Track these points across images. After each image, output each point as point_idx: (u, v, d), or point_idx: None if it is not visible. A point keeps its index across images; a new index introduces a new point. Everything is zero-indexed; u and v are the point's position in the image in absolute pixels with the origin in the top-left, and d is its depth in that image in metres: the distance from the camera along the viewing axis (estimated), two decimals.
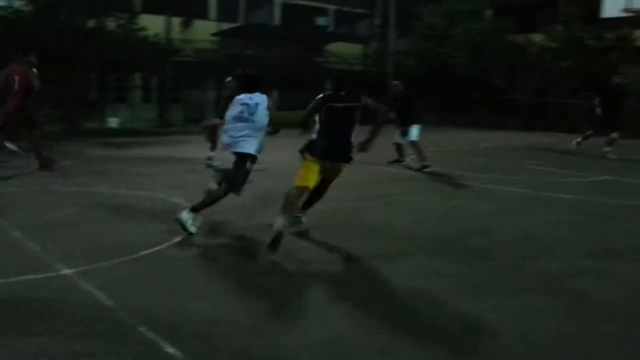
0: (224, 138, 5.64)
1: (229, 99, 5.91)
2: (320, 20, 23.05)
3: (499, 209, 7.00)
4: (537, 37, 20.50)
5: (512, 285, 4.33)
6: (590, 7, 17.19)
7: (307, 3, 23.11)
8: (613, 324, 3.65)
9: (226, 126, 5.59)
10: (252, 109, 5.42)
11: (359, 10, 25.13)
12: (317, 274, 4.54)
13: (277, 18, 23.49)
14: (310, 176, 5.05)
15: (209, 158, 9.22)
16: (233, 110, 5.50)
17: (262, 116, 5.47)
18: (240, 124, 5.43)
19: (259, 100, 5.48)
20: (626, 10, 14.78)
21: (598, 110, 11.76)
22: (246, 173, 5.50)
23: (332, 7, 23.68)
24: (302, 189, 5.05)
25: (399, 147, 10.50)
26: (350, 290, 4.18)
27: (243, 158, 5.45)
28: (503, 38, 20.93)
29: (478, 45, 20.72)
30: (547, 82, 19.65)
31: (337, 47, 23.42)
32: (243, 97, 5.51)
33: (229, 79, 8.72)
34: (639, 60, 17.30)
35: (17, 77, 8.15)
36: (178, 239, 5.17)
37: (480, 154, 12.90)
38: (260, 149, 5.55)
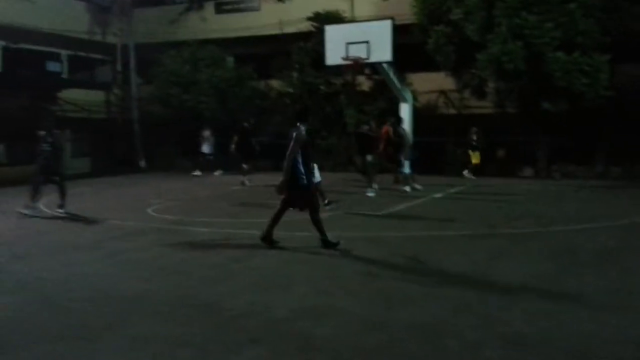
0: None
1: None
2: (52, 66, 21.04)
3: (235, 257, 6.96)
4: (275, 83, 21.82)
5: (238, 339, 4.18)
6: (318, 56, 18.80)
7: (35, 47, 20.99)
8: None
9: None
10: None
11: (96, 56, 23.76)
12: None
13: None
14: None
15: None
16: None
17: None
18: None
19: None
20: (344, 58, 16.40)
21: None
22: None
23: (65, 52, 21.89)
24: None
25: None
26: None
27: None
28: (245, 84, 21.78)
29: (224, 91, 21.18)
30: (289, 124, 20.90)
31: (74, 94, 21.75)
32: None
33: None
34: (363, 103, 19.54)
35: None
36: None
37: (230, 198, 12.94)
38: None
